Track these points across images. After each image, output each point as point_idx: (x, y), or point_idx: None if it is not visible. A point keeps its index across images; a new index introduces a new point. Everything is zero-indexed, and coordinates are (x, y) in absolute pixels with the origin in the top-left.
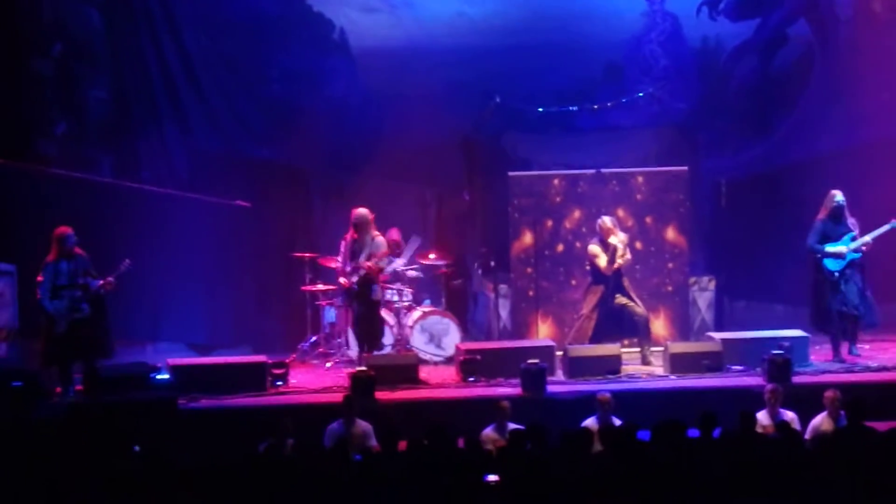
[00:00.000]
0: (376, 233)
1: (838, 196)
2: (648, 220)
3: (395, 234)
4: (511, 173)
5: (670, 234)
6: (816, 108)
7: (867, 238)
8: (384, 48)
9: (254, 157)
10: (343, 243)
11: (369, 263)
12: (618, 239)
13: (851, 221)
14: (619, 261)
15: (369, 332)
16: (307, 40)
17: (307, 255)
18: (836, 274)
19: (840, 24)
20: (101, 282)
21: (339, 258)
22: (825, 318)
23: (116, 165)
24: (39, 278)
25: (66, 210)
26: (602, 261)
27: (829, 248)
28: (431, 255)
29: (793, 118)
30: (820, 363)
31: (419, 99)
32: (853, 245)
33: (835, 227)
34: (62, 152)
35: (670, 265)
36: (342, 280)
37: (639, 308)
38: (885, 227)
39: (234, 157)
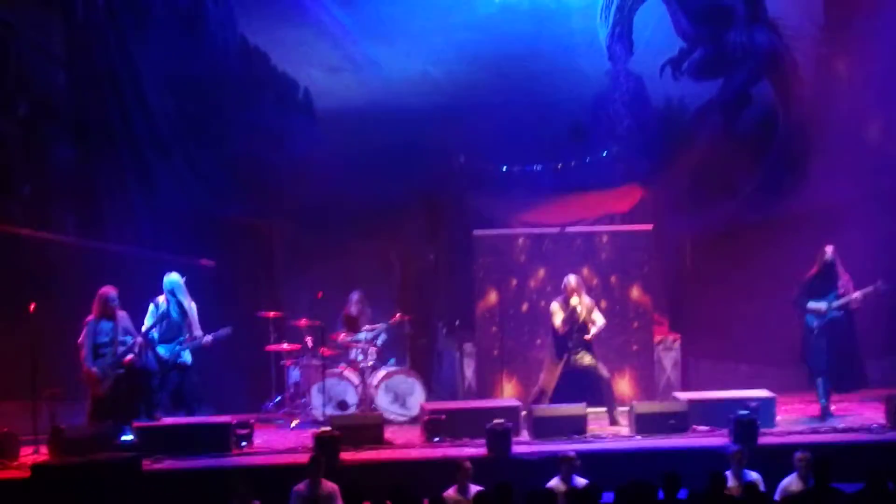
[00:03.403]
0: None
1: (828, 253)
2: (613, 279)
3: (354, 308)
4: (475, 232)
5: (635, 293)
6: (780, 168)
7: (849, 298)
8: (348, 107)
9: (217, 216)
10: (152, 305)
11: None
12: (579, 301)
13: (843, 280)
14: (592, 330)
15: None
16: (271, 100)
17: (271, 314)
18: (816, 330)
19: (803, 84)
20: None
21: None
22: (811, 372)
23: (80, 224)
24: (80, 339)
25: (31, 269)
26: (558, 319)
27: (811, 305)
28: (396, 315)
29: (757, 177)
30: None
31: (383, 157)
32: (836, 304)
33: (822, 284)
34: (27, 212)
35: (635, 324)
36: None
37: (603, 371)
38: (869, 289)
39: (197, 215)
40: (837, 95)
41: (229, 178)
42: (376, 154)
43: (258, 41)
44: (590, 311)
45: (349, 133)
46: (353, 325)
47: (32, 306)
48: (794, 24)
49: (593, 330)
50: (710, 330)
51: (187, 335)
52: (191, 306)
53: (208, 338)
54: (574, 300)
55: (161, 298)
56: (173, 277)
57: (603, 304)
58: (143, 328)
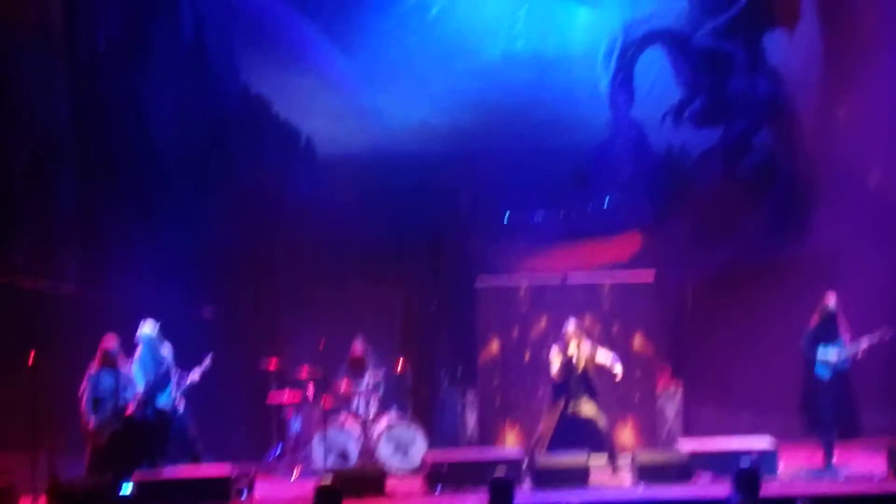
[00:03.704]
0: None
1: (830, 301)
2: (615, 328)
3: (357, 349)
4: (478, 281)
5: (637, 341)
6: (781, 214)
7: (858, 348)
8: (350, 154)
9: (220, 261)
10: (136, 363)
11: None
12: (577, 347)
13: (844, 327)
14: (617, 368)
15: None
16: (274, 146)
17: (273, 363)
18: (826, 382)
19: (804, 131)
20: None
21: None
22: (816, 423)
23: (82, 269)
24: (81, 390)
25: (32, 319)
26: (554, 367)
27: (821, 356)
28: (398, 364)
29: (757, 224)
30: (795, 469)
31: (385, 203)
32: (846, 354)
33: (827, 333)
34: (28, 260)
35: (637, 373)
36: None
37: (603, 423)
38: (875, 337)
39: (200, 260)
40: (838, 142)
41: (232, 222)
42: (379, 200)
43: (260, 89)
44: (591, 359)
45: (352, 179)
46: (357, 369)
47: (31, 356)
48: (794, 72)
49: (618, 367)
50: (712, 376)
51: (175, 380)
52: (168, 352)
53: (195, 375)
54: (572, 347)
55: (141, 351)
56: (147, 329)
57: None
58: (138, 388)
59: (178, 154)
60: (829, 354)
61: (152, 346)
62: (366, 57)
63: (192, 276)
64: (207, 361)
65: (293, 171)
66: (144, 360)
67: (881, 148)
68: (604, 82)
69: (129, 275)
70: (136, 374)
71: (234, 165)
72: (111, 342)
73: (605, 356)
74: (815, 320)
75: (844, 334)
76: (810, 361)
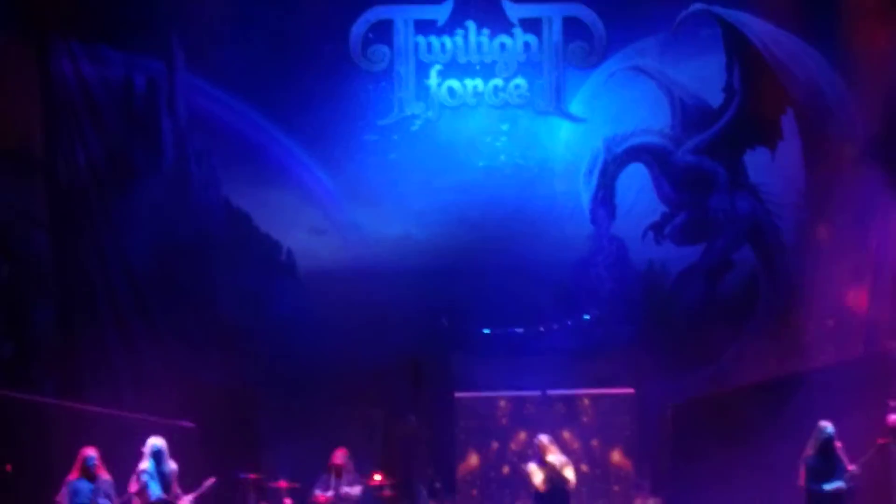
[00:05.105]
0: None
1: (828, 428)
2: (594, 442)
3: (339, 457)
4: (457, 394)
5: (616, 456)
6: (762, 333)
7: (856, 471)
8: (331, 269)
9: (200, 378)
10: (146, 476)
11: None
12: (556, 457)
13: (839, 448)
14: (570, 478)
15: None
16: (255, 261)
17: (251, 476)
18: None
19: (785, 250)
20: None
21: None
22: None
23: (60, 386)
24: (57, 497)
25: (9, 430)
26: (538, 478)
27: (828, 488)
28: (377, 477)
29: (739, 342)
30: None
31: (365, 319)
32: (847, 476)
33: (826, 462)
34: (6, 374)
35: (616, 488)
36: None
37: None
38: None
39: (179, 377)
40: (820, 262)
41: (212, 340)
42: (359, 315)
43: (242, 203)
44: (564, 467)
45: (332, 294)
46: (338, 474)
47: (9, 467)
48: (775, 191)
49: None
50: (692, 494)
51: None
52: (172, 469)
53: (188, 498)
54: (551, 457)
55: (147, 465)
56: (158, 442)
57: (584, 467)
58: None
59: (157, 276)
60: (836, 485)
61: (160, 459)
62: (347, 172)
63: (172, 392)
64: (209, 484)
65: (274, 286)
66: (152, 474)
67: (864, 269)
68: (585, 198)
69: (107, 391)
70: (153, 487)
71: (215, 284)
72: (89, 452)
73: (571, 474)
74: (809, 450)
75: (844, 461)
76: (814, 494)
